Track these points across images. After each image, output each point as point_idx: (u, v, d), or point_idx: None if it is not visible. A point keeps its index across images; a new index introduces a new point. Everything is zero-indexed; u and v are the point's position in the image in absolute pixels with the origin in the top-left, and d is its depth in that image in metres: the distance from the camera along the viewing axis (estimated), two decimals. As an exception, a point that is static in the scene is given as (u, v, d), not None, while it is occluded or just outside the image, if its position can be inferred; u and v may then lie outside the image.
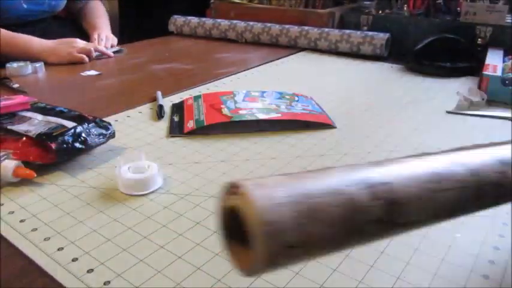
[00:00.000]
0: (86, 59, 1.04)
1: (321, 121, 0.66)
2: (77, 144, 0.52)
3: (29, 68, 0.95)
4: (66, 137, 0.52)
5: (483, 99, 0.74)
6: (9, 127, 0.55)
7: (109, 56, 1.09)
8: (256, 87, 0.84)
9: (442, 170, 0.26)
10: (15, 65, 0.94)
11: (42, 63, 0.98)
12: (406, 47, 1.03)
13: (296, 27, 1.18)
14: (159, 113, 0.70)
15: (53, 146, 0.50)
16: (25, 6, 1.09)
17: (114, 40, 1.19)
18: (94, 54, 1.06)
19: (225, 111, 0.67)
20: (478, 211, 0.28)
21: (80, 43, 1.05)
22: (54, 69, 0.99)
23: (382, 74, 0.96)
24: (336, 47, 1.11)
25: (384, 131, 0.65)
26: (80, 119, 0.56)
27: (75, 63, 1.03)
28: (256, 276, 0.32)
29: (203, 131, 0.63)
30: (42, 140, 0.51)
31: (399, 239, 0.40)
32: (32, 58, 0.99)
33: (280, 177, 0.23)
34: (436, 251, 0.39)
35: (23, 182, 0.49)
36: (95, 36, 1.16)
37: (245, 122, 0.64)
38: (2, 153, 0.49)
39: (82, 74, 0.95)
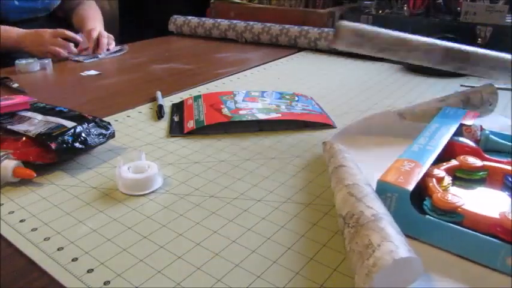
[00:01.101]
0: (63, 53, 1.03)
1: (321, 121, 0.66)
2: (77, 144, 0.52)
3: (37, 64, 0.96)
4: (66, 137, 0.52)
5: (490, 104, 0.73)
6: (9, 127, 0.55)
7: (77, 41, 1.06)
8: (256, 87, 0.84)
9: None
10: (23, 61, 0.95)
11: (50, 60, 0.99)
12: (406, 47, 1.02)
13: (296, 27, 1.18)
14: (159, 113, 0.70)
15: (53, 145, 0.50)
16: (17, 3, 1.09)
17: (111, 38, 1.15)
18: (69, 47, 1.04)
19: (225, 111, 0.67)
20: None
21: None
22: (54, 69, 0.99)
23: (382, 74, 0.96)
24: (336, 47, 1.11)
25: (384, 131, 0.65)
26: (79, 119, 0.56)
27: (76, 62, 1.03)
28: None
29: (203, 131, 0.63)
30: (42, 139, 0.51)
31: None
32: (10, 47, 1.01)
33: None
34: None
35: (23, 182, 0.49)
36: (89, 28, 1.11)
37: (245, 122, 0.64)
38: (2, 153, 0.49)
39: (82, 74, 0.95)
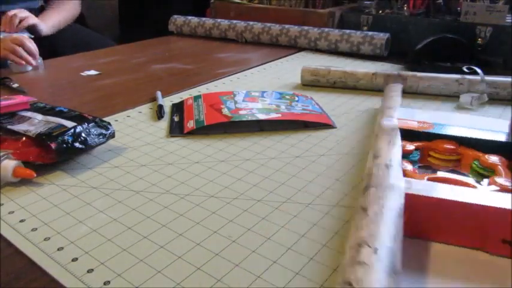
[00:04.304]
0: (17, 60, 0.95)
1: (321, 121, 0.66)
2: (77, 144, 0.52)
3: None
4: (66, 137, 0.52)
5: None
6: (9, 127, 0.55)
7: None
8: (256, 87, 0.84)
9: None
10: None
11: (41, 58, 0.98)
12: (406, 47, 1.03)
13: (296, 27, 1.18)
14: (159, 113, 0.70)
15: (53, 145, 0.50)
16: None
17: (28, 20, 1.08)
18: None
19: (225, 111, 0.67)
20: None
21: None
22: (54, 69, 0.99)
23: (382, 74, 0.96)
24: (336, 46, 1.11)
25: (384, 131, 0.65)
26: (79, 119, 0.56)
27: (73, 63, 1.03)
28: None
29: (203, 131, 0.63)
30: (42, 139, 0.51)
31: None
32: None
33: None
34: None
35: (23, 182, 0.49)
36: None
37: (245, 122, 0.64)
38: (2, 153, 0.49)
39: (82, 74, 0.95)
